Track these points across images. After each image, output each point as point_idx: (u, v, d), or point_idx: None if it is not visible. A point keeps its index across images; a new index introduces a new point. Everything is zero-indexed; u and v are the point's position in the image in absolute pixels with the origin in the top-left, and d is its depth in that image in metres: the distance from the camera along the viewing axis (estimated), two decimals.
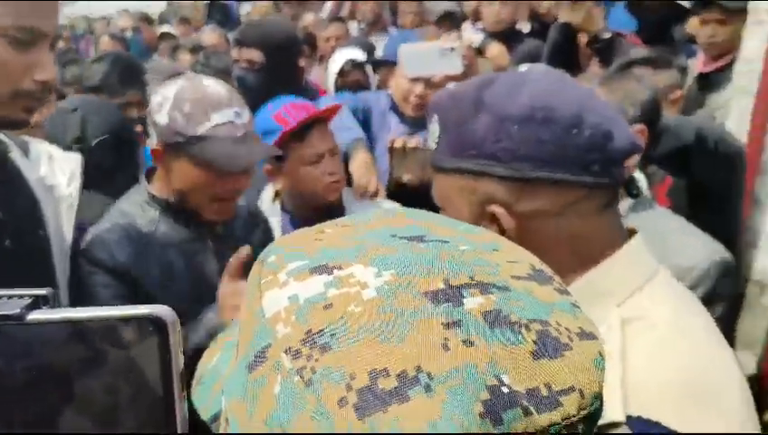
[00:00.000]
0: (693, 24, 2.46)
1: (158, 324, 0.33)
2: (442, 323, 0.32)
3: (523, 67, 2.15)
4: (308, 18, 4.50)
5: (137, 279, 1.31)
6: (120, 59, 2.24)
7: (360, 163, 1.87)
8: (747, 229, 2.02)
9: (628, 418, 0.58)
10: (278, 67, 2.12)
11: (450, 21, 3.42)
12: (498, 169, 0.68)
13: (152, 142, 1.33)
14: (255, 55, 2.12)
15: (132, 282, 1.31)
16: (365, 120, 2.10)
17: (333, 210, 1.69)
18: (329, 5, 5.00)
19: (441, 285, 0.34)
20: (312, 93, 2.27)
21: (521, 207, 0.69)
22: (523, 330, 0.33)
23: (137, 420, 0.34)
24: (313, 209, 1.66)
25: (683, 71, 2.21)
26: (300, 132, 1.60)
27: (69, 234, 1.26)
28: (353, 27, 4.38)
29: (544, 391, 0.31)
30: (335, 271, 0.35)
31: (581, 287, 0.69)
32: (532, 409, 0.31)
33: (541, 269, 0.38)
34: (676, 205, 1.55)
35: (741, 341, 2.01)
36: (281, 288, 0.35)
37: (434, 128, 0.75)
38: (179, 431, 0.34)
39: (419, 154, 1.73)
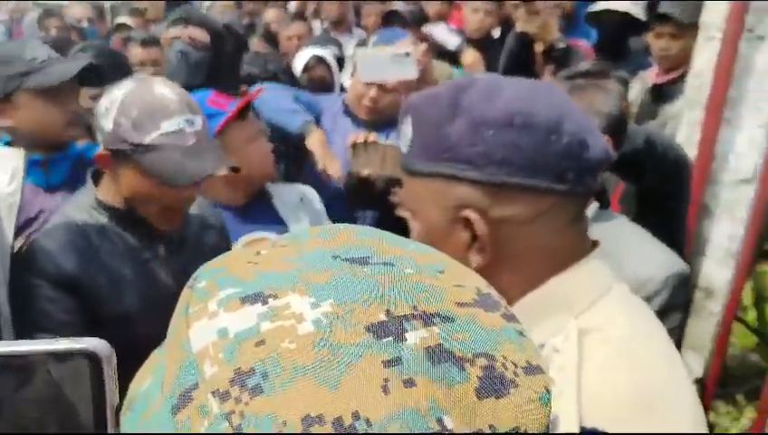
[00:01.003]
0: (650, 37, 2.54)
1: (92, 359, 0.31)
2: (382, 362, 0.30)
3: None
4: (269, 15, 4.45)
5: (84, 290, 1.24)
6: (104, 51, 2.18)
7: (320, 144, 1.89)
8: (695, 237, 2.10)
9: (583, 429, 0.59)
10: (219, 53, 2.12)
11: (395, 20, 3.44)
12: (473, 173, 0.67)
13: (99, 147, 1.26)
14: (199, 34, 2.13)
15: (80, 293, 1.23)
16: (315, 120, 2.12)
17: (252, 200, 1.69)
18: (294, 4, 4.96)
19: (382, 317, 0.32)
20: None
21: (494, 213, 0.68)
22: (468, 366, 0.31)
23: None
24: (253, 189, 1.66)
25: (624, 83, 2.27)
26: (240, 113, 1.59)
27: (10, 235, 1.21)
28: (316, 27, 4.37)
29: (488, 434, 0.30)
30: (270, 301, 0.33)
31: (540, 297, 0.69)
32: None
33: (488, 293, 0.37)
34: (627, 211, 1.60)
35: (688, 345, 2.10)
36: (210, 319, 0.33)
37: (406, 130, 0.74)
38: None
39: (379, 149, 1.75)
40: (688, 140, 2.16)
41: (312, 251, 0.37)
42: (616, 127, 1.29)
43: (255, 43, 3.75)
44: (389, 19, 3.44)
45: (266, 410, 0.29)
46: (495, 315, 0.35)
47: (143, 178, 1.22)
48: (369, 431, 0.28)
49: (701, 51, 2.15)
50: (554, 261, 0.70)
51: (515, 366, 0.33)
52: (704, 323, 2.09)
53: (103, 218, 1.28)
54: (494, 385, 0.31)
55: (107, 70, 2.03)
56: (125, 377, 1.34)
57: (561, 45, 2.64)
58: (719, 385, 2.18)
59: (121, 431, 0.37)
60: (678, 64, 2.43)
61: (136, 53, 2.70)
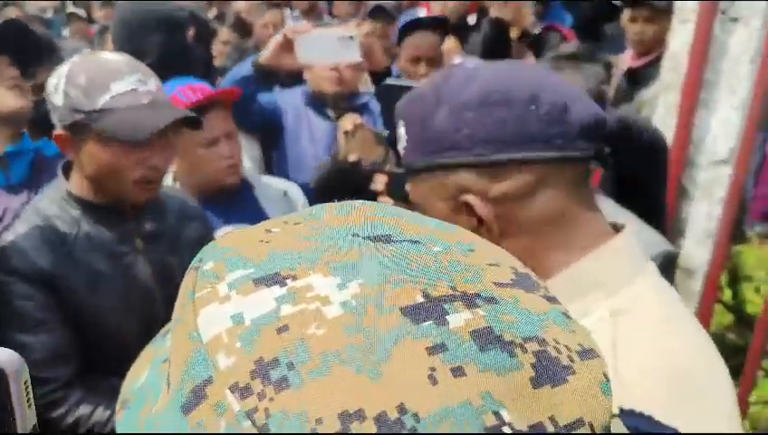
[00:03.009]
0: (625, 21, 2.56)
1: None
2: (426, 348, 0.27)
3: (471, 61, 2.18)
4: (240, 4, 4.37)
5: (60, 286, 1.19)
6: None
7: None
8: (675, 219, 2.13)
9: (621, 411, 0.57)
10: (173, 38, 2.06)
11: (383, 15, 3.41)
12: (463, 157, 0.68)
13: (55, 129, 1.20)
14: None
15: (56, 289, 1.19)
16: (277, 118, 2.10)
17: (232, 194, 1.65)
18: None
19: (420, 299, 0.28)
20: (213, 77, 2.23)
21: (493, 193, 0.68)
22: (519, 351, 0.28)
23: None
24: (211, 192, 1.61)
25: (607, 66, 2.29)
26: (196, 114, 1.54)
27: None
28: (287, 15, 4.30)
29: (550, 428, 0.26)
30: (288, 282, 0.29)
31: (569, 277, 0.68)
32: None
33: (525, 273, 0.33)
34: (606, 196, 1.61)
35: None
36: (221, 304, 0.29)
37: (400, 133, 0.74)
38: None
39: (364, 133, 1.75)
40: (665, 123, 2.19)
41: (329, 228, 0.33)
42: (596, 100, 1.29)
43: (225, 33, 3.68)
44: (375, 15, 3.40)
45: (296, 405, 0.25)
46: (537, 296, 0.31)
47: (103, 147, 1.16)
48: (419, 429, 0.24)
49: (676, 34, 2.16)
50: (571, 237, 0.70)
51: (569, 350, 0.29)
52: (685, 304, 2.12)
53: (76, 212, 1.23)
54: (549, 372, 0.28)
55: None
56: (106, 371, 1.28)
57: (536, 31, 2.65)
58: None
59: (117, 432, 0.34)
60: (653, 48, 2.45)
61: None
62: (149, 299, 1.28)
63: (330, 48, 1.73)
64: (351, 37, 1.74)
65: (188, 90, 1.60)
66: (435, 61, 2.41)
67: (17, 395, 0.27)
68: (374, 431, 0.24)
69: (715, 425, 0.61)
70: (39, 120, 1.93)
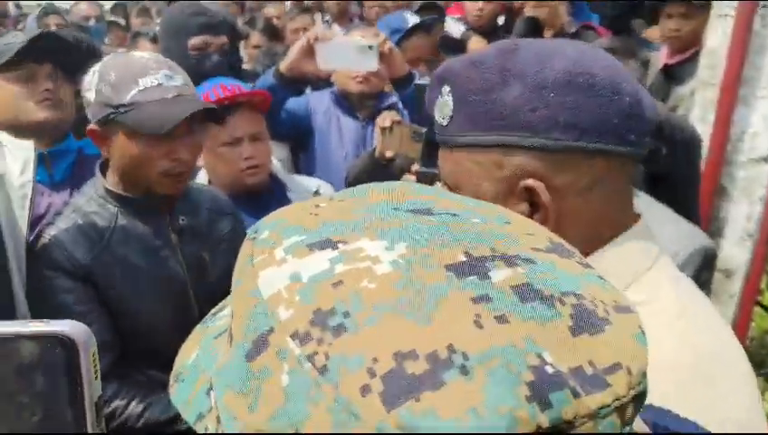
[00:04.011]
0: (661, 18, 2.50)
1: (66, 344, 0.28)
2: (470, 298, 0.29)
3: None
4: (271, 10, 4.43)
5: (99, 281, 1.22)
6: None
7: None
8: (713, 219, 2.07)
9: None
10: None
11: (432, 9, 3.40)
12: (535, 139, 0.63)
13: (89, 124, 1.25)
14: (225, 41, 2.09)
15: (95, 283, 1.22)
16: (308, 122, 2.11)
17: (263, 193, 1.66)
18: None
19: (462, 258, 0.30)
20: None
21: (556, 181, 0.64)
22: (558, 304, 0.29)
23: None
24: (237, 191, 1.62)
25: (645, 64, 2.25)
26: (220, 112, 1.50)
27: (24, 227, 1.19)
28: (318, 20, 4.34)
29: (589, 370, 0.28)
30: (340, 245, 0.31)
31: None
32: (579, 390, 0.27)
33: (560, 242, 0.36)
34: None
35: None
36: (279, 266, 0.31)
37: (446, 100, 0.69)
38: None
39: (401, 129, 1.76)
40: (702, 120, 2.13)
41: (373, 203, 0.35)
42: None
43: (256, 37, 3.73)
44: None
45: (353, 348, 0.27)
46: (572, 262, 0.33)
47: (130, 140, 1.19)
48: (468, 366, 0.26)
49: (713, 29, 2.11)
50: (600, 232, 0.67)
51: (605, 305, 0.31)
52: (723, 306, 2.06)
53: (112, 207, 1.26)
54: (586, 322, 0.29)
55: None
56: (139, 364, 1.30)
57: (571, 29, 2.61)
58: None
59: (173, 403, 0.36)
60: (690, 44, 2.39)
61: (146, 46, 2.67)
62: (183, 293, 1.30)
63: (349, 56, 1.78)
64: (371, 47, 1.77)
65: (219, 88, 1.62)
66: (433, 62, 2.39)
67: (86, 365, 0.29)
68: (426, 368, 0.26)
69: (735, 414, 0.59)
70: (83, 120, 1.99)
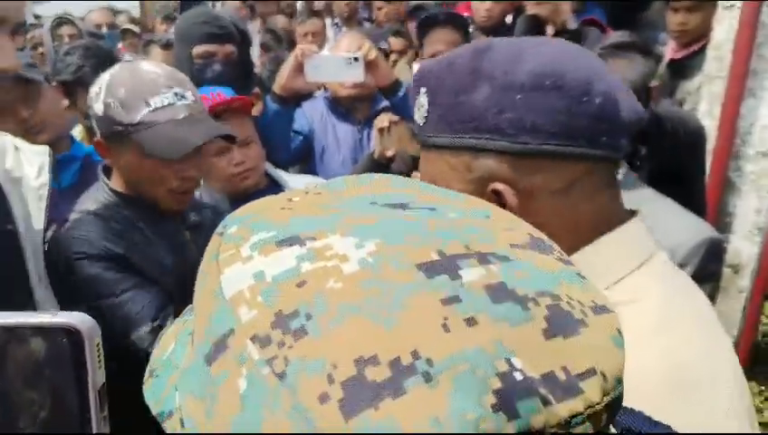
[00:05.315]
0: (667, 12, 2.47)
1: (72, 335, 0.29)
2: (439, 300, 0.27)
3: None
4: (280, 18, 4.47)
5: (133, 269, 1.19)
6: (90, 49, 2.12)
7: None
8: (721, 213, 2.04)
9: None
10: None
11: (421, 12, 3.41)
12: (502, 142, 0.62)
13: (95, 135, 1.23)
14: (234, 50, 2.11)
15: (130, 271, 1.19)
16: (311, 137, 2.14)
17: (260, 194, 1.66)
18: (301, 3, 4.97)
19: (434, 256, 0.29)
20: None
21: (524, 184, 0.63)
22: (532, 304, 0.28)
23: None
24: (233, 194, 1.62)
25: (657, 59, 2.23)
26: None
27: (40, 227, 1.22)
28: (327, 23, 4.36)
29: (561, 376, 0.27)
30: (308, 243, 0.30)
31: None
32: (550, 397, 0.26)
33: (539, 238, 0.34)
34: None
35: None
36: (244, 264, 0.30)
37: (422, 101, 0.68)
38: None
39: (399, 129, 1.81)
40: (709, 114, 2.11)
41: (349, 197, 0.34)
42: (641, 94, 1.25)
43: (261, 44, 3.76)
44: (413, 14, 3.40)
45: (313, 352, 0.26)
46: (551, 258, 0.32)
47: (141, 159, 1.19)
48: (432, 373, 0.25)
49: (720, 21, 2.09)
50: (582, 232, 0.65)
51: (582, 305, 0.30)
52: (732, 301, 2.03)
53: (124, 208, 1.25)
54: (561, 324, 0.28)
55: (98, 69, 2.03)
56: None
57: (573, 26, 2.59)
58: (749, 364, 2.11)
59: (146, 398, 0.36)
60: (696, 38, 2.37)
61: (157, 53, 2.71)
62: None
63: (335, 69, 1.85)
64: (356, 59, 1.82)
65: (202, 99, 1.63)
66: None
67: (90, 354, 0.30)
68: (388, 375, 0.25)
69: (711, 420, 0.58)
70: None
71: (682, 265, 1.17)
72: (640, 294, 0.63)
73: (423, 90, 0.68)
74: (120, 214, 1.25)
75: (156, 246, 1.25)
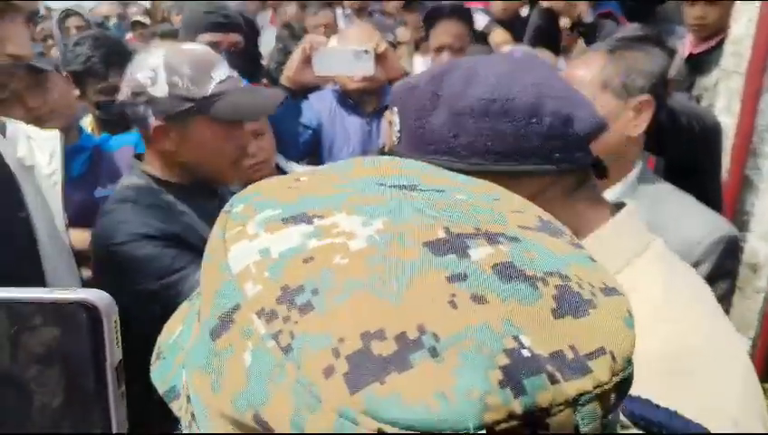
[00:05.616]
0: (685, 5, 2.43)
1: (90, 311, 0.29)
2: (446, 277, 0.27)
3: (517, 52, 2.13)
4: (290, 9, 4.44)
5: (189, 248, 1.17)
6: (99, 39, 2.09)
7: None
8: (739, 212, 2.01)
9: None
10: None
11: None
12: (458, 164, 0.65)
13: (148, 122, 1.21)
14: (239, 39, 2.10)
15: (188, 249, 1.17)
16: (320, 131, 2.12)
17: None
18: None
19: (442, 234, 0.29)
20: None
21: None
22: (541, 284, 0.28)
23: (65, 416, 0.30)
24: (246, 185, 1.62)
25: (671, 53, 2.19)
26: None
27: (59, 212, 1.21)
28: (338, 14, 4.34)
29: (570, 355, 0.26)
30: (315, 220, 0.30)
31: None
32: (558, 375, 0.25)
33: (549, 221, 0.34)
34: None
35: (732, 324, 2.01)
36: (250, 241, 0.30)
37: (395, 120, 0.73)
38: (115, 431, 0.30)
39: None
40: (727, 110, 2.07)
41: (356, 178, 0.34)
42: (658, 87, 1.23)
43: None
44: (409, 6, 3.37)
45: (319, 327, 0.26)
46: (561, 241, 0.32)
47: (212, 130, 1.22)
48: (438, 348, 0.25)
49: (739, 15, 2.05)
50: None
51: (592, 287, 0.29)
52: (749, 301, 2.00)
53: (166, 193, 1.24)
54: (570, 304, 0.28)
55: (108, 60, 2.00)
56: None
57: (589, 19, 2.56)
58: (767, 366, 2.08)
59: (152, 379, 0.36)
60: (715, 32, 2.32)
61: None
62: None
63: (345, 62, 1.81)
64: (366, 51, 1.80)
65: None
66: (460, 51, 2.33)
67: (108, 332, 0.30)
68: (394, 349, 0.25)
69: (718, 406, 0.58)
70: (106, 117, 2.02)
71: (699, 262, 1.16)
72: (641, 283, 0.64)
73: (395, 109, 0.72)
74: (163, 198, 1.25)
75: (199, 226, 1.24)
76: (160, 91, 1.19)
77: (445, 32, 2.35)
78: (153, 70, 1.19)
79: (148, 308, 1.03)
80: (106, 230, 1.20)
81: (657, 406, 0.44)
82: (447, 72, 0.68)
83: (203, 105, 1.19)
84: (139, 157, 1.31)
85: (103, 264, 1.21)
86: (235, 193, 1.24)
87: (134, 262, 1.16)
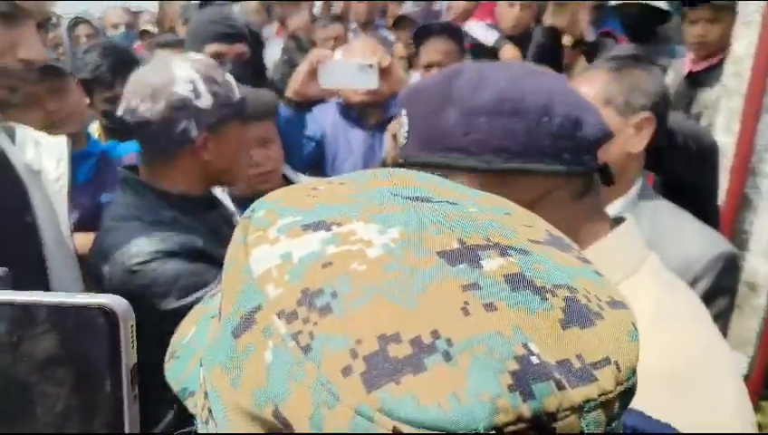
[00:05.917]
0: (685, 23, 2.46)
1: (108, 316, 0.31)
2: (460, 286, 0.28)
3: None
4: (296, 21, 4.47)
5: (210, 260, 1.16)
6: (107, 48, 2.12)
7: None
8: (737, 231, 2.02)
9: None
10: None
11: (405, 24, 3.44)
12: (469, 161, 0.67)
13: (189, 136, 1.18)
14: (244, 49, 2.12)
15: (210, 261, 1.16)
16: (323, 143, 2.14)
17: (287, 185, 1.68)
18: (318, 5, 4.98)
19: (456, 245, 0.30)
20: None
21: None
22: (550, 296, 0.29)
23: (80, 416, 0.31)
24: (251, 198, 1.61)
25: (663, 71, 2.21)
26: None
27: (64, 217, 1.23)
28: (350, 28, 4.36)
29: (576, 364, 0.27)
30: (333, 227, 0.31)
31: None
32: (564, 382, 0.26)
33: (559, 236, 0.36)
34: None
35: (731, 341, 2.02)
36: (271, 245, 0.31)
37: (403, 121, 0.74)
38: (127, 431, 0.31)
39: None
40: (727, 129, 2.09)
41: (372, 189, 0.36)
42: (659, 105, 1.25)
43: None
44: (400, 23, 3.41)
45: (337, 329, 0.27)
46: (570, 255, 0.33)
47: (242, 131, 1.30)
48: (451, 352, 0.26)
49: (739, 36, 2.07)
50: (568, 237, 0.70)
51: (599, 300, 0.31)
52: (747, 320, 2.01)
53: (168, 207, 1.21)
54: (577, 316, 0.29)
55: (116, 69, 2.01)
56: None
57: (591, 38, 2.58)
58: (765, 384, 2.09)
59: (167, 378, 0.38)
60: (715, 51, 2.35)
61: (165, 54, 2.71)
62: None
63: (350, 75, 1.83)
64: (371, 65, 1.82)
65: None
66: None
67: (124, 336, 0.31)
68: (409, 352, 0.26)
69: (715, 419, 0.59)
70: (113, 126, 2.03)
71: (698, 279, 1.17)
72: (639, 295, 0.65)
73: (404, 111, 0.74)
74: (168, 213, 1.21)
75: (208, 238, 1.23)
76: (205, 102, 1.18)
77: (434, 49, 2.36)
78: (191, 82, 1.17)
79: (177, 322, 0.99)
80: (114, 254, 1.14)
81: (655, 421, 0.45)
82: (458, 74, 0.70)
83: (238, 109, 1.26)
84: (131, 169, 1.27)
85: (122, 285, 1.14)
86: (227, 207, 1.23)
87: (159, 279, 1.12)
